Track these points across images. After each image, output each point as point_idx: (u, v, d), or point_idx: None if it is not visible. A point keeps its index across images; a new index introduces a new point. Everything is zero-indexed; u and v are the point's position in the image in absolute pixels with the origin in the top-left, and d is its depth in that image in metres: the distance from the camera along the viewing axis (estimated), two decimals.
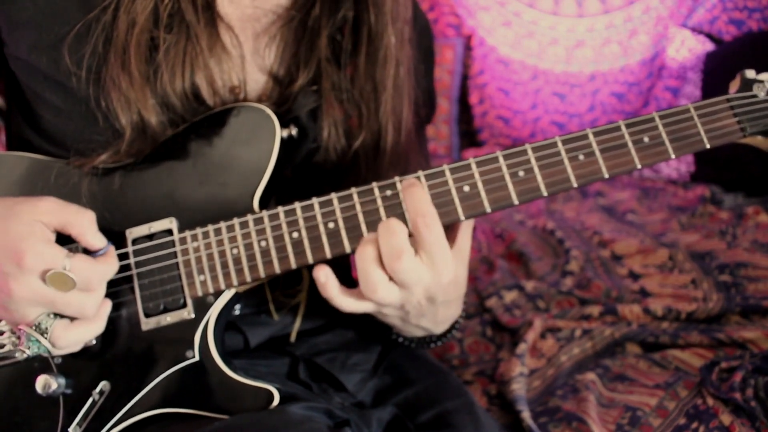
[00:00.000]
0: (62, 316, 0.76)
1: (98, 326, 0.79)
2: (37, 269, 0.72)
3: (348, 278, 1.12)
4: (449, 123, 2.87)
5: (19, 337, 0.76)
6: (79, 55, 0.84)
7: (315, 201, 0.81)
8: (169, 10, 0.84)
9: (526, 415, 1.11)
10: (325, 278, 0.79)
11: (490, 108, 2.92)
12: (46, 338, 0.75)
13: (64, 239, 0.77)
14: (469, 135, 3.01)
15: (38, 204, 0.76)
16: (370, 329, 1.07)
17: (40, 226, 0.74)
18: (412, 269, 0.76)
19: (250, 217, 0.82)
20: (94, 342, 0.82)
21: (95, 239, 0.78)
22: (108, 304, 0.80)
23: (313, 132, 0.94)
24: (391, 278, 0.77)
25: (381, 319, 0.87)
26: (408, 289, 0.78)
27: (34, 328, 0.75)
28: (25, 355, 0.81)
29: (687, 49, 2.55)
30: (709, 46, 2.54)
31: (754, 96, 0.82)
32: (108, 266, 0.78)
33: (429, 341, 0.97)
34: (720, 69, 2.39)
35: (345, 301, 0.80)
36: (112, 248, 0.80)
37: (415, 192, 0.78)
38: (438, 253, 0.78)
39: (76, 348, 0.79)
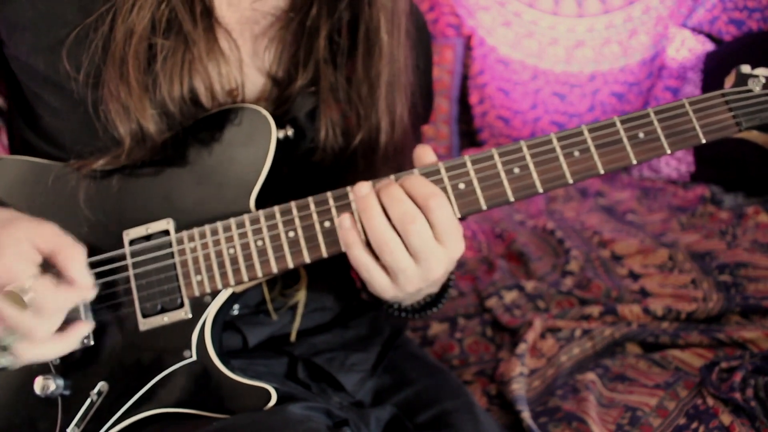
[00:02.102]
0: None
1: (65, 345, 0.77)
2: (0, 281, 0.71)
3: (347, 277, 1.12)
4: (449, 123, 2.87)
5: None
6: (78, 60, 0.84)
7: (311, 200, 0.81)
8: (167, 16, 0.84)
9: (526, 415, 1.11)
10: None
11: (490, 108, 2.92)
12: (7, 353, 0.73)
13: None
14: (469, 135, 3.00)
15: (38, 225, 0.76)
16: (369, 329, 1.07)
17: (27, 244, 0.74)
18: (427, 237, 0.77)
19: (246, 217, 0.82)
20: (92, 343, 0.82)
21: (79, 273, 0.76)
22: (83, 325, 0.79)
23: (311, 132, 0.94)
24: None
25: (369, 282, 0.84)
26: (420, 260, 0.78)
27: None
28: None
29: (687, 49, 2.55)
30: (709, 46, 2.54)
31: (750, 91, 0.82)
32: (67, 296, 0.75)
33: (431, 304, 0.95)
34: (720, 69, 2.39)
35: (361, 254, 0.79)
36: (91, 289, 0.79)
37: (415, 179, 0.78)
38: (453, 229, 0.78)
39: (45, 359, 0.78)
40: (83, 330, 0.79)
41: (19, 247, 0.73)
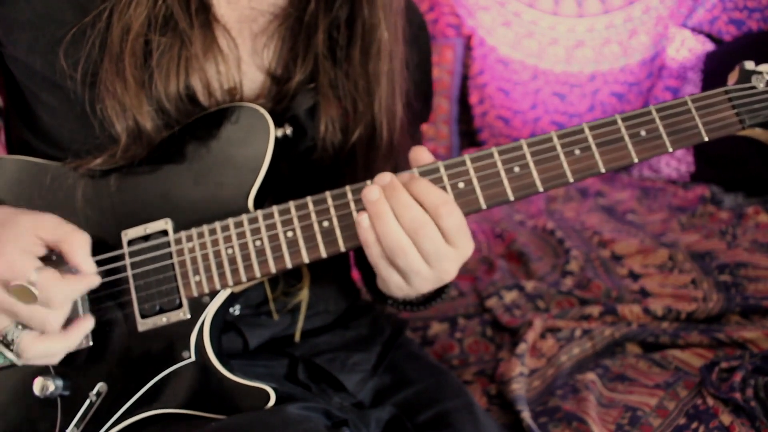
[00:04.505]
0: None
1: (69, 341, 0.77)
2: (3, 277, 0.71)
3: (348, 279, 1.12)
4: (449, 123, 2.87)
5: None
6: (75, 58, 0.84)
7: (309, 200, 0.81)
8: (163, 12, 0.84)
9: (526, 415, 1.11)
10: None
11: (490, 108, 2.92)
12: (11, 350, 0.74)
13: None
14: (469, 135, 3.00)
15: (38, 218, 0.76)
16: (370, 329, 1.07)
17: (29, 238, 0.74)
18: (438, 241, 0.77)
19: (244, 217, 0.82)
20: (90, 344, 0.82)
21: (84, 260, 0.77)
22: (85, 321, 0.79)
23: (311, 129, 0.94)
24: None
25: (384, 279, 0.83)
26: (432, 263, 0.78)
27: (1, 339, 0.74)
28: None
29: (687, 49, 2.55)
30: (709, 46, 2.54)
31: (753, 87, 0.81)
32: (75, 285, 0.76)
33: (436, 295, 0.95)
34: (720, 69, 2.39)
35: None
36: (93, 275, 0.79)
37: (421, 185, 0.77)
38: (463, 230, 0.78)
39: (49, 361, 0.78)
40: (86, 325, 0.79)
41: (20, 242, 0.73)
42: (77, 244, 0.76)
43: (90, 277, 0.78)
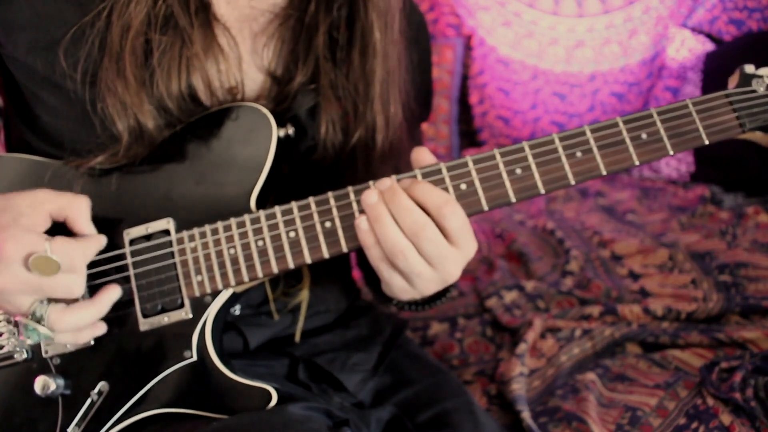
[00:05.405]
0: (57, 301, 0.76)
1: (97, 309, 0.79)
2: (18, 256, 0.71)
3: (349, 279, 1.12)
4: (449, 123, 2.87)
5: (19, 330, 0.76)
6: (75, 58, 0.84)
7: (311, 200, 0.81)
8: (163, 11, 0.84)
9: (526, 415, 1.11)
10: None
11: (490, 108, 2.92)
12: (43, 325, 0.74)
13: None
14: (469, 135, 3.00)
15: (34, 194, 0.76)
16: (370, 329, 1.07)
17: (33, 215, 0.75)
18: (440, 243, 0.77)
19: (246, 217, 0.82)
20: (92, 343, 0.82)
21: (89, 224, 0.79)
22: (111, 289, 0.80)
23: (311, 130, 0.94)
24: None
25: (387, 282, 0.84)
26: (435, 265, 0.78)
27: (30, 317, 0.74)
28: (24, 356, 0.81)
29: (687, 49, 2.55)
30: (709, 46, 2.54)
31: (753, 91, 0.81)
32: (88, 245, 0.78)
33: (440, 295, 0.95)
34: (720, 69, 2.39)
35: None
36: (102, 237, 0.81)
37: (423, 186, 0.77)
38: (466, 230, 0.78)
39: (80, 336, 0.79)
40: (113, 293, 0.80)
41: (24, 221, 0.74)
42: (80, 209, 0.78)
43: (99, 237, 0.80)
